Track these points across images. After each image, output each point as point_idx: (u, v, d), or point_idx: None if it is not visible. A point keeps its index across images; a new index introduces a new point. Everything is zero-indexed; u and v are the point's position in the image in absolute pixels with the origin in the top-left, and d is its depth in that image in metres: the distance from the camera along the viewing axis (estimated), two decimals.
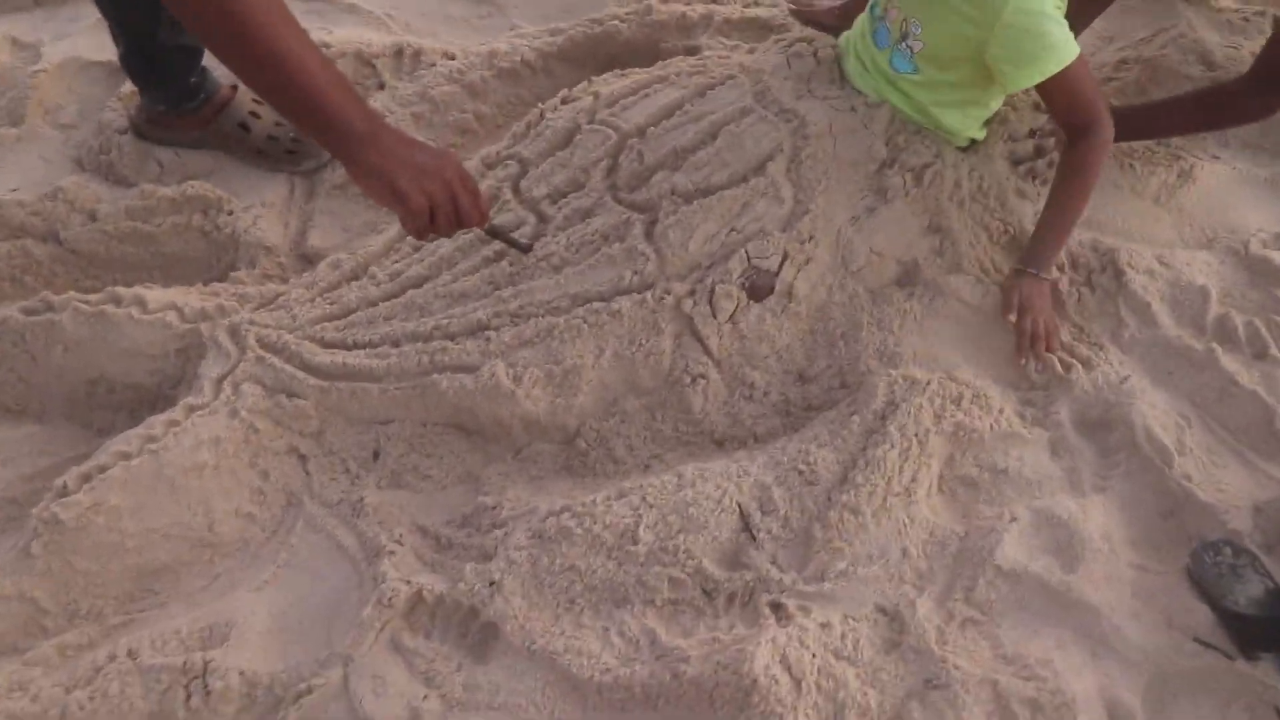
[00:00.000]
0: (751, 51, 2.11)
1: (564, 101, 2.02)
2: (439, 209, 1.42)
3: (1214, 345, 1.75)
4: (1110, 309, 1.82)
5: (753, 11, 2.43)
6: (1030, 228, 1.86)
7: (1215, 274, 1.88)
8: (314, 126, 1.33)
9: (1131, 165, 2.00)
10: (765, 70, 1.92)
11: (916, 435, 1.59)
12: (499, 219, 1.77)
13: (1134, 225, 1.95)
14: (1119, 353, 1.76)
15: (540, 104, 2.05)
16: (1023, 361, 1.70)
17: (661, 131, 1.87)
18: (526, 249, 1.71)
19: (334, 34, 2.41)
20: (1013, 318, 1.69)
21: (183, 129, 2.18)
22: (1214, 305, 1.82)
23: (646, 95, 1.95)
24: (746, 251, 1.73)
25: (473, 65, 2.32)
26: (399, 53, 2.37)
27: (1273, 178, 2.08)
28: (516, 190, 1.90)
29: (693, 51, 2.28)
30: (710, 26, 2.39)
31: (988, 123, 1.90)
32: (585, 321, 1.68)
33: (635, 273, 1.72)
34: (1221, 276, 1.88)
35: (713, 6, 2.42)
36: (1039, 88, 1.68)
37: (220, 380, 1.67)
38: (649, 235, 1.75)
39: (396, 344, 1.72)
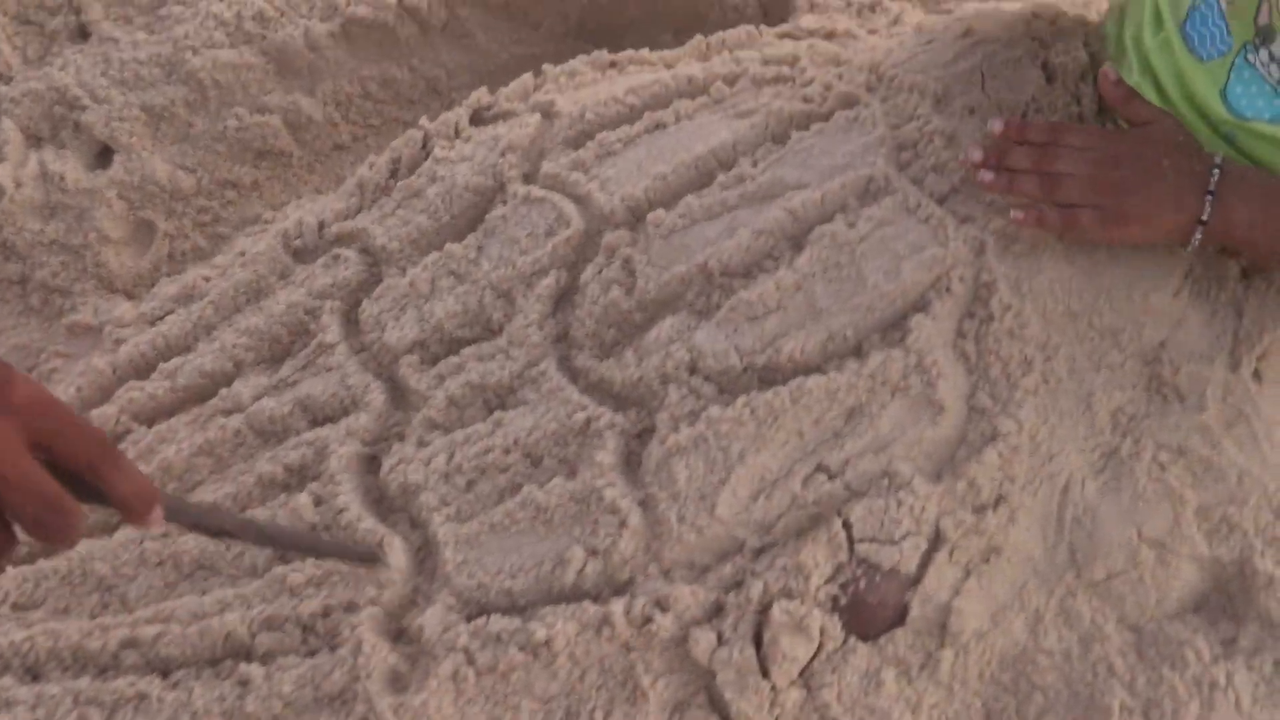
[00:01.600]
0: (895, 30, 1.61)
1: (475, 118, 1.49)
2: None
3: None
4: None
5: None
6: None
7: None
8: None
9: None
10: (926, 89, 1.37)
11: None
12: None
13: None
14: None
15: (425, 119, 1.50)
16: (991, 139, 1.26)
17: (682, 222, 1.33)
18: (369, 559, 1.24)
19: None
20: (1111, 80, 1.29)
21: None
22: None
23: (659, 128, 1.41)
24: (848, 524, 1.21)
25: (290, 6, 1.83)
26: None
27: None
28: (351, 320, 1.39)
29: (773, 22, 1.71)
30: None
31: None
32: (471, 663, 1.19)
33: (593, 552, 1.22)
34: None
35: None
36: None
37: None
38: (632, 467, 1.26)
39: (34, 674, 1.28)
